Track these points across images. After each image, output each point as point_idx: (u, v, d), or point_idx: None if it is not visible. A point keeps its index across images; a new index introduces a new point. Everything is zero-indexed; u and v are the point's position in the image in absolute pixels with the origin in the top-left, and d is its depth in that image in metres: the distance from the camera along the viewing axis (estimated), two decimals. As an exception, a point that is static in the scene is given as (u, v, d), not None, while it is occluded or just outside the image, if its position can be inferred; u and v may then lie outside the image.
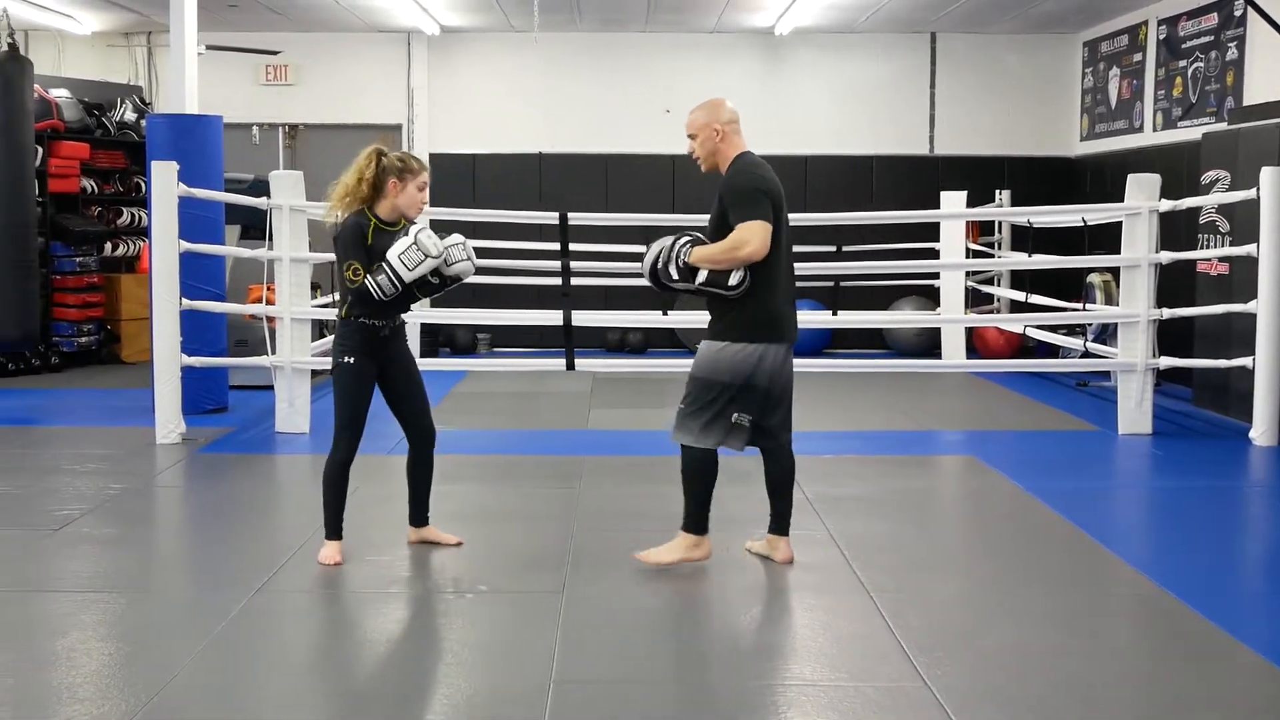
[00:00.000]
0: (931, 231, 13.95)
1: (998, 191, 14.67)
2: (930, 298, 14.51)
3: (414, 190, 6.12)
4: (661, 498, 6.23)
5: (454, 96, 15.77)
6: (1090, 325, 11.57)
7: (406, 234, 5.97)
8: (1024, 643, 5.11)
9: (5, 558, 6.23)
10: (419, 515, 6.53)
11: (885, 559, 6.31)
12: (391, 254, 5.91)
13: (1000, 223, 14.53)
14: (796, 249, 13.87)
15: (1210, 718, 4.45)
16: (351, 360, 6.09)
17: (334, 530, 6.20)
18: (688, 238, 5.95)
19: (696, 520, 6.05)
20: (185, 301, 9.24)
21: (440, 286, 6.17)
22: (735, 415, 5.93)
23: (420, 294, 6.18)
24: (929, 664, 4.79)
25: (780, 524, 6.27)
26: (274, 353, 9.60)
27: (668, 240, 5.96)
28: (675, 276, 5.91)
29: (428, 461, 6.44)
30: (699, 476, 6.00)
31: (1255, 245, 9.29)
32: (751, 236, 5.78)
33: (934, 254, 13.91)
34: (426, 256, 5.92)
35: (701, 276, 5.87)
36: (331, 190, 6.15)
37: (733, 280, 5.84)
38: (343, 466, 6.17)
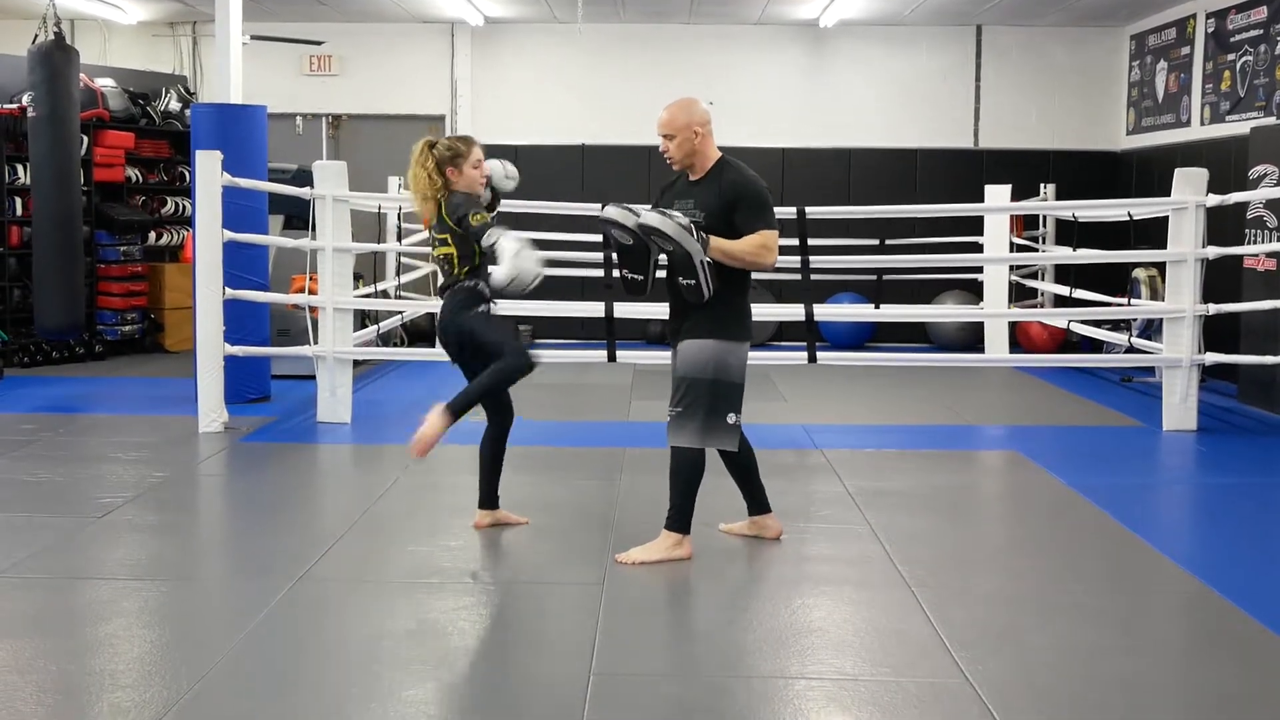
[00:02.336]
0: (975, 225, 13.89)
1: (1042, 185, 14.59)
2: (973, 292, 14.43)
3: (470, 170, 6.37)
4: (701, 490, 6.20)
5: (497, 87, 15.79)
6: (1135, 320, 11.47)
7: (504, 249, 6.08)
8: (1066, 640, 5.07)
9: (49, 545, 6.26)
10: (493, 498, 6.63)
11: (927, 554, 6.27)
12: (512, 236, 6.10)
13: (1045, 217, 14.43)
14: (840, 241, 13.84)
15: (1256, 717, 4.40)
16: (485, 307, 6.34)
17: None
18: (696, 222, 5.88)
19: (683, 519, 6.06)
20: (228, 291, 9.27)
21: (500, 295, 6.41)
22: (731, 416, 5.96)
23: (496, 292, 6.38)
24: (970, 660, 4.75)
25: (759, 503, 6.39)
26: (316, 342, 9.63)
27: (679, 217, 5.85)
28: (697, 263, 5.79)
29: (504, 440, 6.63)
30: (692, 476, 6.03)
31: (1304, 241, 9.20)
32: (775, 245, 5.88)
33: (978, 248, 13.84)
34: (526, 271, 6.01)
35: (702, 253, 5.81)
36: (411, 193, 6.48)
37: (714, 286, 5.84)
38: (518, 373, 6.32)
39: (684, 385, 5.95)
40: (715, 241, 5.82)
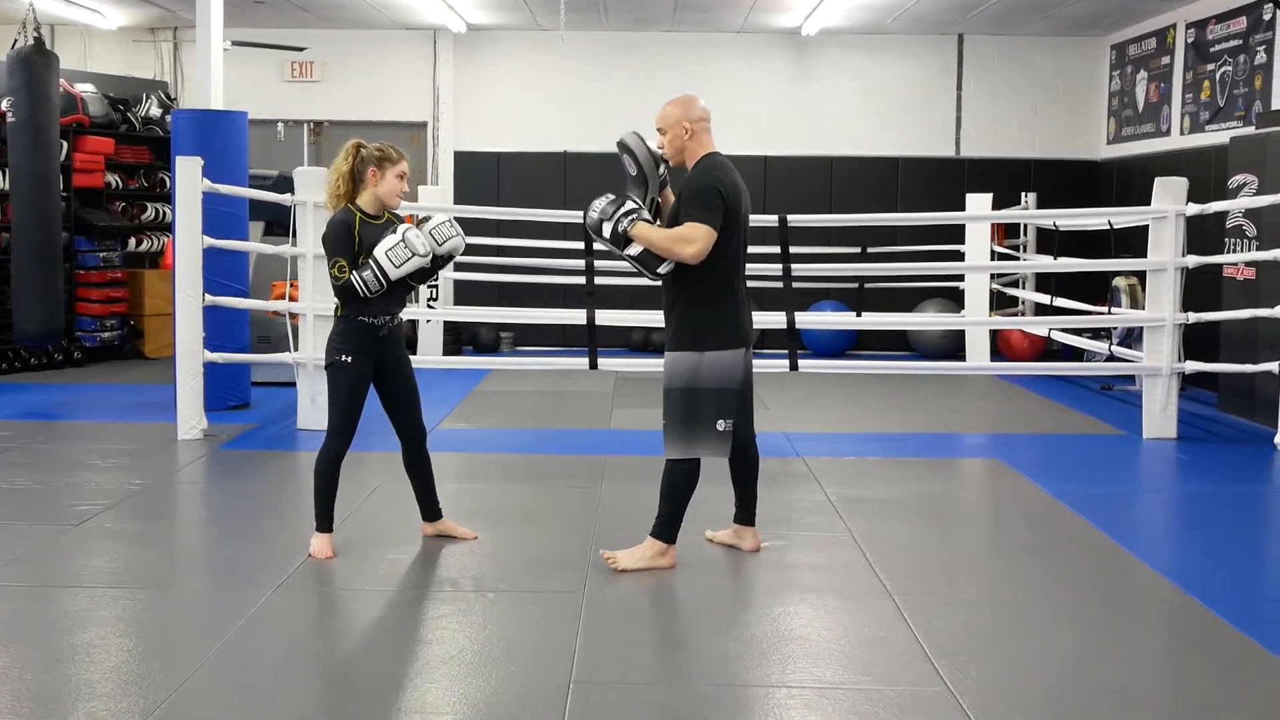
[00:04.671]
0: (957, 233, 13.92)
1: (1023, 194, 14.61)
2: (955, 300, 14.45)
3: (393, 179, 6.13)
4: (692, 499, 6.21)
5: (480, 94, 15.77)
6: (1115, 329, 11.50)
7: (394, 230, 6.02)
8: (1048, 647, 5.07)
9: (25, 553, 6.23)
10: (430, 509, 6.56)
11: (908, 562, 6.27)
12: (379, 250, 5.95)
13: (1026, 225, 14.46)
14: (822, 250, 13.86)
15: (1237, 726, 4.41)
16: (349, 359, 6.09)
17: (324, 523, 6.23)
18: (634, 208, 5.92)
19: (669, 529, 6.04)
20: (208, 297, 9.24)
21: (433, 270, 6.20)
22: (720, 423, 5.91)
23: (414, 282, 6.20)
24: (952, 668, 4.75)
25: (748, 514, 6.38)
26: (296, 349, 9.60)
27: (615, 201, 5.95)
28: (607, 237, 5.92)
29: (423, 458, 6.48)
30: (682, 487, 6.01)
31: (1284, 250, 9.23)
32: (697, 239, 5.79)
33: (959, 256, 13.88)
34: (414, 255, 5.93)
35: (633, 250, 5.88)
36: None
37: (662, 269, 5.88)
38: (334, 463, 6.19)
39: (666, 397, 5.95)
40: (640, 228, 5.86)
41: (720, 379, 5.90)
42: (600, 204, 5.99)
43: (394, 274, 5.92)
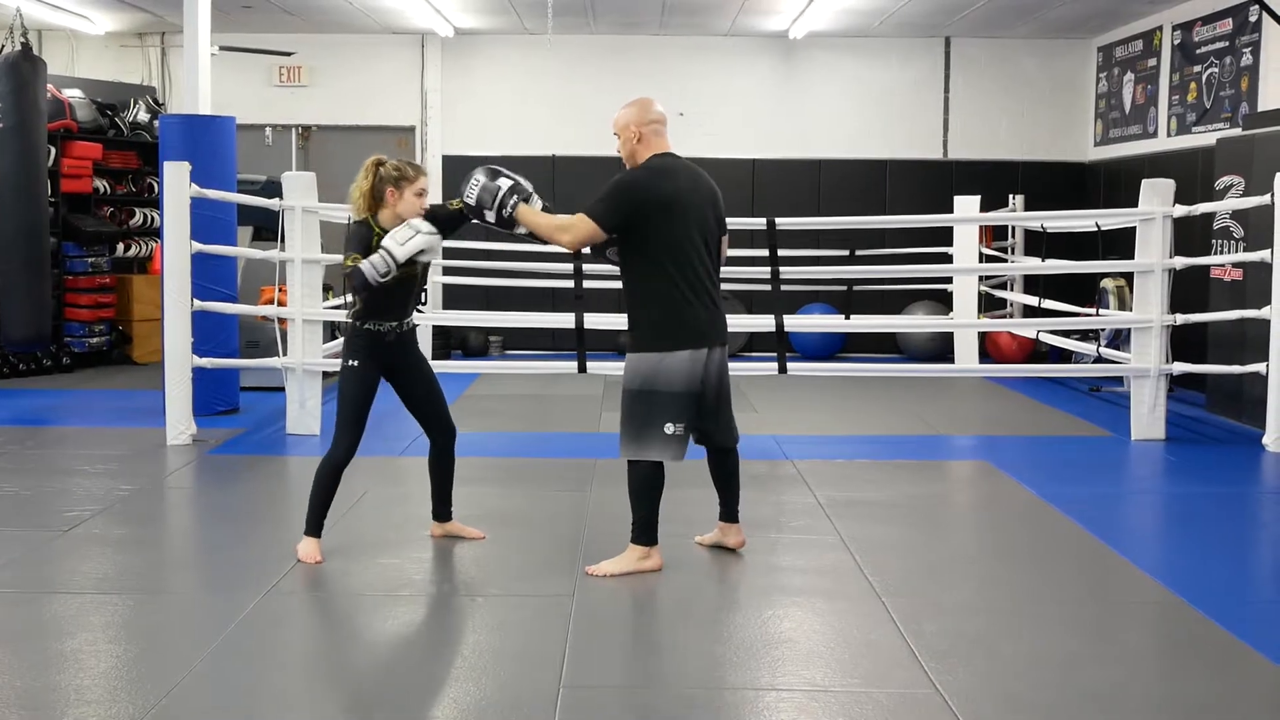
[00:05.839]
0: (945, 236, 13.93)
1: (1011, 196, 14.64)
2: (943, 302, 14.48)
3: (412, 197, 6.17)
4: (672, 501, 6.21)
5: (468, 99, 15.77)
6: (1103, 330, 11.52)
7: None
8: (1037, 649, 5.08)
9: (15, 558, 6.22)
10: (443, 510, 6.60)
11: (897, 564, 6.28)
12: (385, 239, 5.99)
13: (1013, 227, 14.49)
14: (809, 252, 13.84)
15: (1225, 727, 4.43)
16: (355, 364, 6.16)
17: (315, 528, 6.25)
18: (519, 192, 5.99)
19: (646, 532, 6.03)
20: (197, 302, 9.23)
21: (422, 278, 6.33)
22: (668, 426, 5.88)
23: (420, 284, 6.33)
24: (941, 670, 4.76)
25: (731, 512, 6.38)
26: (285, 354, 9.60)
27: (502, 183, 5.99)
28: (491, 221, 6.02)
29: (449, 456, 6.55)
30: (644, 488, 5.99)
31: (1269, 251, 9.24)
32: (577, 228, 5.89)
33: (947, 258, 13.89)
34: (417, 232, 5.96)
35: (520, 230, 6.01)
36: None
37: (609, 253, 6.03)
38: (337, 468, 6.21)
39: (622, 398, 5.97)
40: (523, 211, 5.97)
41: (672, 381, 5.86)
42: (479, 182, 6.02)
43: (399, 253, 5.91)
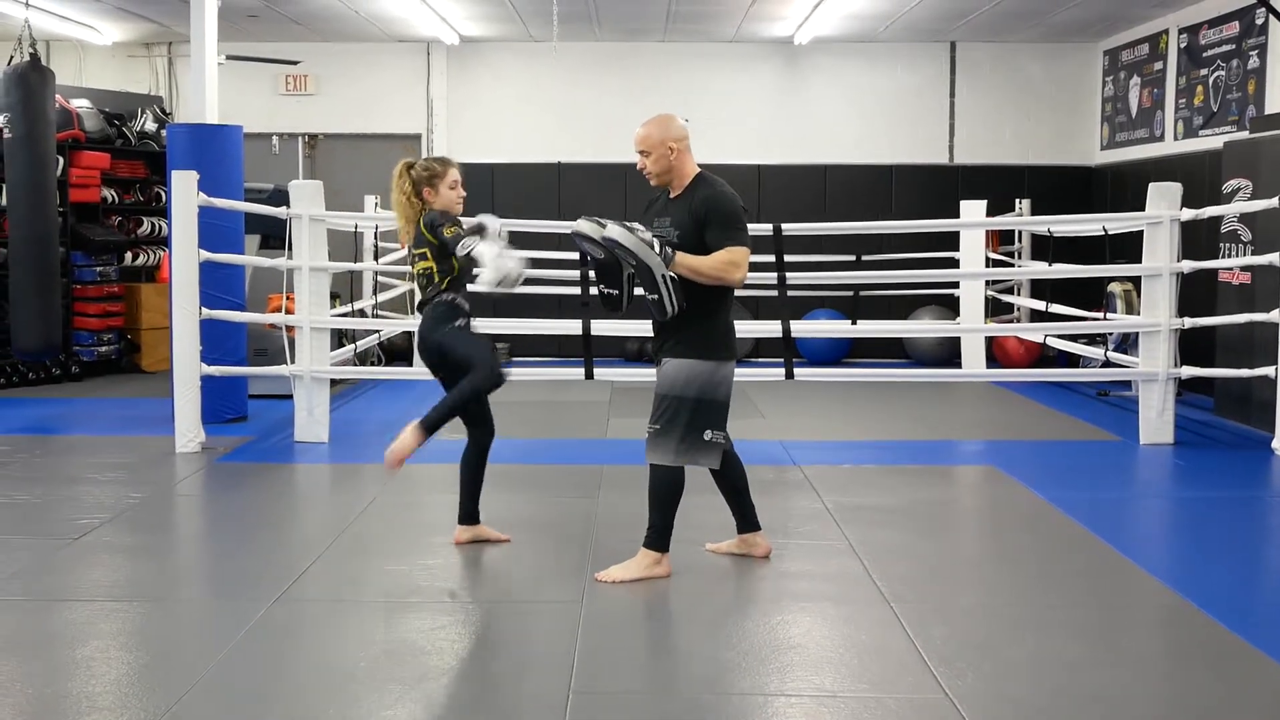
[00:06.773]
0: (951, 241, 13.93)
1: (1018, 200, 14.64)
2: (950, 307, 14.47)
3: (447, 190, 6.41)
4: (680, 508, 6.20)
5: (473, 106, 15.80)
6: (1111, 334, 11.51)
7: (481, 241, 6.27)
8: (1045, 654, 5.08)
9: (25, 567, 6.23)
10: (473, 513, 6.64)
11: (905, 569, 6.28)
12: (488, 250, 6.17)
13: (1020, 232, 14.49)
14: (815, 258, 13.87)
15: (1234, 730, 4.43)
16: (462, 323, 6.38)
17: (432, 429, 6.31)
18: (665, 238, 5.87)
19: (662, 538, 6.04)
20: (205, 311, 9.25)
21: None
22: (708, 433, 5.90)
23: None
24: (949, 675, 4.76)
25: (748, 521, 6.40)
26: (293, 362, 9.61)
27: (641, 231, 5.80)
28: (651, 265, 5.71)
29: (486, 456, 6.66)
30: (670, 495, 6.00)
31: (1277, 254, 9.24)
32: (743, 262, 5.85)
33: (954, 263, 13.88)
34: (512, 259, 6.14)
35: (652, 288, 5.78)
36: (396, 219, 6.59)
37: (680, 303, 5.80)
38: (484, 390, 6.40)
39: (664, 403, 5.92)
40: (680, 257, 5.77)
41: (721, 390, 5.92)
42: (619, 229, 5.77)
43: (503, 265, 6.07)
